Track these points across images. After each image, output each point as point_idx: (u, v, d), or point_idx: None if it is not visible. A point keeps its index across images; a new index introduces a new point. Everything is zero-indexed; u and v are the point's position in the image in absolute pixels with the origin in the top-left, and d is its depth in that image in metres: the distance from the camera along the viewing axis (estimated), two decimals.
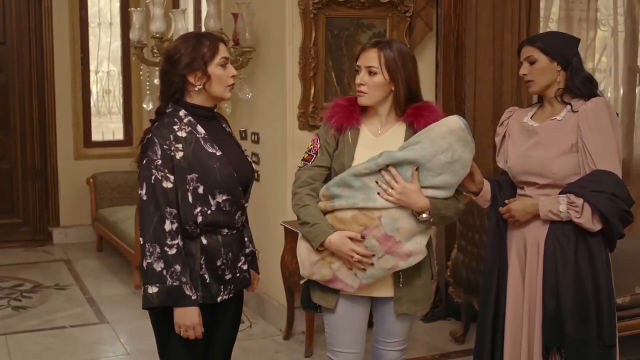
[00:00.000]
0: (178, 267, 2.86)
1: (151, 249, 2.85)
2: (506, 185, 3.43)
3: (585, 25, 5.88)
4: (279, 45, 5.05)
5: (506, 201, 3.36)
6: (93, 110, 7.91)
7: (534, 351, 3.28)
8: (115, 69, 8.01)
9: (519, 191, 3.38)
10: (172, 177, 2.89)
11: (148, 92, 5.60)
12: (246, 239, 3.17)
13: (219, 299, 3.03)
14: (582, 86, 3.24)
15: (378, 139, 3.15)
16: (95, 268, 6.93)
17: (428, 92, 5.33)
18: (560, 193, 3.19)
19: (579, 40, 3.42)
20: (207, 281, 2.98)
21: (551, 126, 3.27)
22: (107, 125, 8.15)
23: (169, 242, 2.85)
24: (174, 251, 2.85)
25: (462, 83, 5.26)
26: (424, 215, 3.00)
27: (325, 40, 4.91)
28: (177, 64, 2.94)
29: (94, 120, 7.93)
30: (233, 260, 3.07)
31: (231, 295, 3.09)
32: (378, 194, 2.99)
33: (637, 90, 6.33)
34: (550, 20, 5.85)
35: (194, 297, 2.90)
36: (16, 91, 7.52)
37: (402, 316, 3.21)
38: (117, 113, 8.08)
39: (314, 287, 3.23)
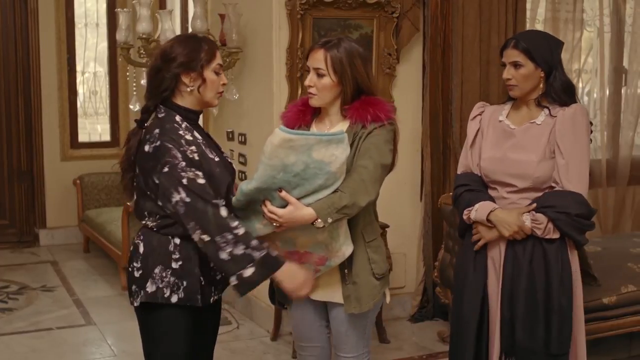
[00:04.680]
0: (254, 242, 2.82)
1: (223, 240, 2.78)
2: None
3: (571, 26, 5.90)
4: (266, 46, 5.04)
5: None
6: (79, 111, 7.89)
7: (492, 357, 3.32)
8: (102, 69, 7.99)
9: (491, 192, 3.37)
10: (201, 174, 2.85)
11: (135, 93, 5.58)
12: None
13: (211, 300, 3.04)
14: (562, 94, 3.25)
15: None
16: (82, 269, 6.90)
17: (415, 92, 5.35)
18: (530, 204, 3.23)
19: (562, 43, 3.42)
20: (202, 283, 2.98)
21: (530, 130, 3.28)
22: (94, 126, 8.14)
23: (233, 225, 2.79)
24: (242, 230, 2.80)
25: (448, 84, 5.28)
26: (319, 221, 2.87)
27: (312, 41, 4.90)
28: (173, 62, 2.91)
29: (81, 122, 7.91)
30: None
31: (219, 295, 3.11)
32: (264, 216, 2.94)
33: (622, 91, 6.36)
34: (537, 21, 5.86)
35: (281, 257, 2.87)
36: (2, 92, 7.48)
37: (344, 322, 3.18)
38: (104, 114, 8.06)
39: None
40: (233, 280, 2.81)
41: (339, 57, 3.02)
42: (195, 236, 2.81)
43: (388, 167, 3.12)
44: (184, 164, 2.82)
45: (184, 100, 2.98)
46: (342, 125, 3.10)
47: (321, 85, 3.05)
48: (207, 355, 3.24)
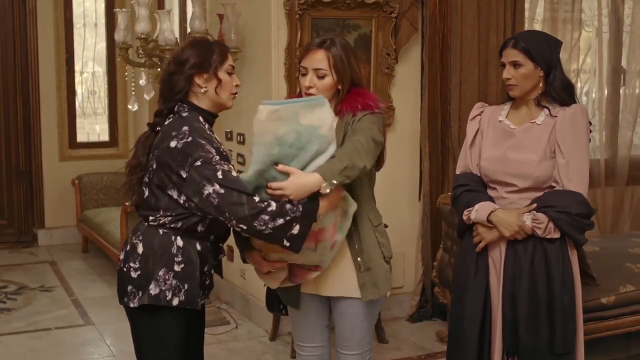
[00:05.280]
0: (288, 206, 2.80)
1: (261, 223, 2.77)
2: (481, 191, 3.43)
3: (569, 26, 5.90)
4: (265, 46, 5.04)
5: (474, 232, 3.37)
6: (78, 111, 7.89)
7: (494, 357, 3.32)
8: (101, 69, 7.99)
9: (491, 192, 3.37)
10: (233, 167, 2.86)
11: (133, 93, 5.58)
12: (221, 244, 3.17)
13: (201, 304, 3.07)
14: (562, 92, 3.26)
15: None
16: (80, 269, 6.90)
17: (414, 92, 5.35)
18: (530, 204, 3.23)
19: (561, 43, 3.43)
20: (199, 287, 3.00)
21: (530, 129, 3.29)
22: (92, 126, 8.14)
23: (265, 205, 2.78)
24: (274, 206, 2.79)
25: (447, 84, 5.28)
26: (324, 185, 2.84)
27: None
28: (185, 64, 2.94)
29: (79, 121, 7.91)
30: (212, 266, 3.10)
31: (205, 300, 3.14)
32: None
33: (621, 91, 6.36)
34: (535, 21, 5.86)
35: (313, 197, 2.87)
36: (0, 92, 7.48)
37: (351, 318, 3.20)
38: (102, 114, 8.05)
39: (284, 289, 3.28)
40: (285, 243, 2.83)
41: (340, 55, 3.06)
42: (232, 225, 2.82)
43: (380, 144, 3.11)
44: (217, 157, 2.84)
45: (199, 102, 3.00)
46: (334, 121, 3.13)
47: (322, 86, 3.07)
48: (198, 357, 3.25)
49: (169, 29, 5.06)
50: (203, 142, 2.85)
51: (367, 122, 3.07)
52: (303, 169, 2.87)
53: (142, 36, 5.10)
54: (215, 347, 4.90)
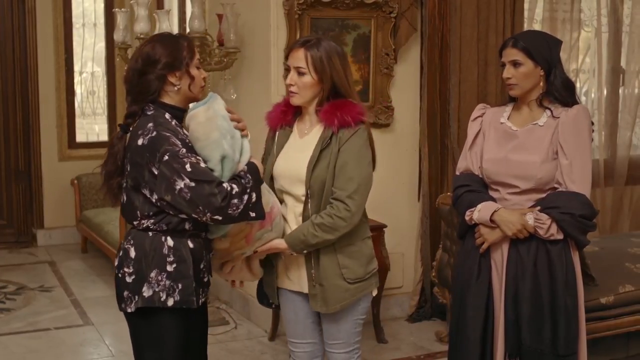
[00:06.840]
0: (243, 181, 2.86)
1: (233, 207, 2.80)
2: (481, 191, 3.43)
3: (569, 26, 5.91)
4: (264, 46, 5.04)
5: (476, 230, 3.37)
6: (77, 111, 7.88)
7: (496, 358, 3.31)
8: (100, 69, 7.98)
9: (493, 193, 3.36)
10: (201, 159, 2.84)
11: None
12: None
13: (200, 302, 3.04)
14: (564, 91, 3.25)
15: (302, 140, 3.21)
16: (79, 270, 6.90)
17: (412, 92, 5.35)
18: (534, 205, 3.23)
19: (561, 42, 3.43)
20: (194, 285, 2.97)
21: (533, 131, 3.28)
22: (92, 126, 8.13)
23: (229, 189, 2.80)
24: (235, 186, 2.82)
25: (446, 84, 5.28)
26: (288, 252, 3.17)
27: None
28: (157, 64, 2.91)
29: (78, 122, 7.90)
30: (210, 263, 3.09)
31: (205, 297, 3.12)
32: None
33: (620, 91, 6.37)
34: (534, 21, 5.87)
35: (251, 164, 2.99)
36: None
37: (334, 317, 3.23)
38: (102, 114, 8.05)
39: (265, 283, 3.35)
40: (252, 215, 2.88)
41: (319, 55, 3.09)
42: (205, 219, 2.81)
43: (372, 164, 3.18)
44: (184, 150, 2.82)
45: (171, 99, 2.98)
46: (319, 128, 3.17)
47: (302, 84, 3.11)
48: (201, 356, 3.24)
49: (168, 29, 5.05)
50: (168, 134, 2.84)
51: (356, 153, 3.10)
52: (240, 155, 2.95)
53: (142, 36, 5.10)
54: (214, 347, 4.89)
